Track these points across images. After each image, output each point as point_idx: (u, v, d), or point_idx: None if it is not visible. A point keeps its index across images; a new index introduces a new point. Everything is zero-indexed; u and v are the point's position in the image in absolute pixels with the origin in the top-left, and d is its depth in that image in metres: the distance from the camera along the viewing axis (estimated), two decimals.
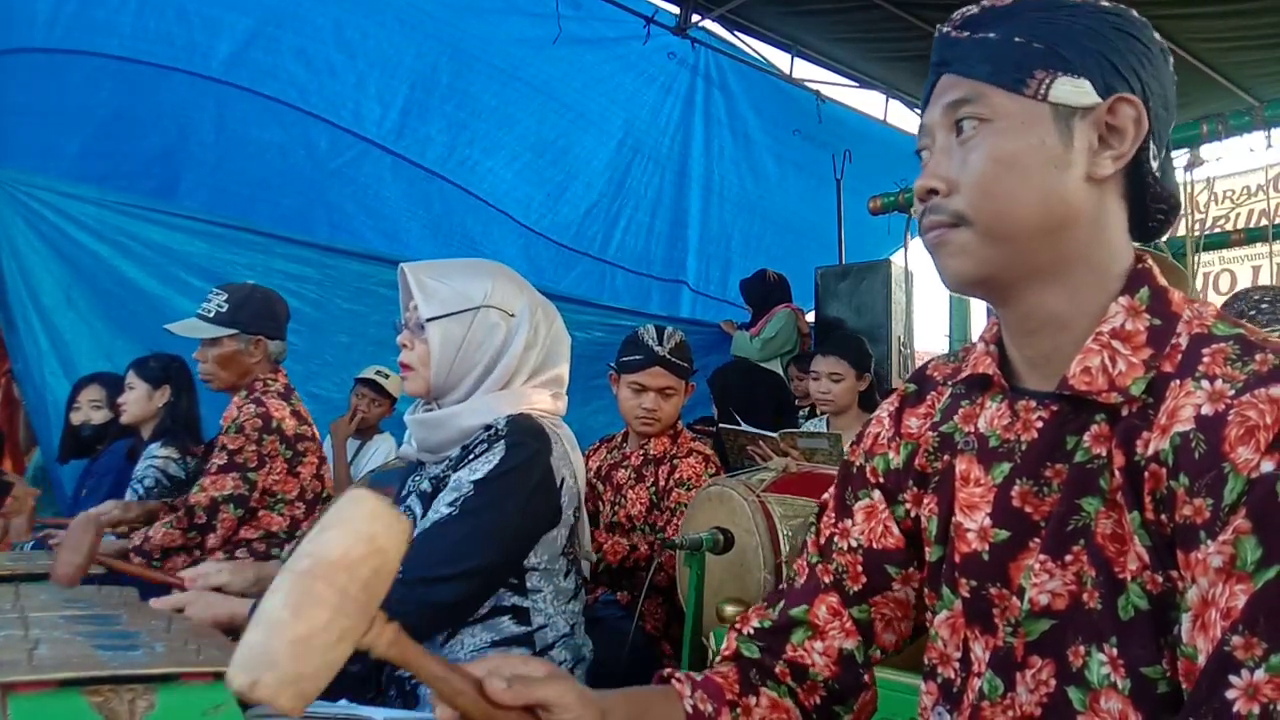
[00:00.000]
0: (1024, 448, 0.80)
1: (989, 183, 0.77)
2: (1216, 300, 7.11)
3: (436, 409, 1.67)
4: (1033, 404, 0.80)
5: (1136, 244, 0.83)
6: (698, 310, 6.13)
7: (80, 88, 4.06)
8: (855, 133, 5.95)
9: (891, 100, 6.22)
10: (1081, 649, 0.74)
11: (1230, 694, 0.62)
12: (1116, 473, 0.73)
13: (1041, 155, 0.76)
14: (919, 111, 0.97)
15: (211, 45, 4.31)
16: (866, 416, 1.02)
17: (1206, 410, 0.68)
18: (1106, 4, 0.79)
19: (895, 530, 0.93)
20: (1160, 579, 0.70)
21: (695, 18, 5.29)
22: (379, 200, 4.96)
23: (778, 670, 0.94)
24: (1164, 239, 4.81)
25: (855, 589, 0.93)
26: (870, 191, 5.45)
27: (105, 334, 3.78)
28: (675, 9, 5.30)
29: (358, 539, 0.66)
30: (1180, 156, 5.36)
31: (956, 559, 0.84)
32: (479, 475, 1.52)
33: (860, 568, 0.93)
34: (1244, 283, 7.88)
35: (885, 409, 0.98)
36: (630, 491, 2.57)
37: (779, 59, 5.84)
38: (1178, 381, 0.72)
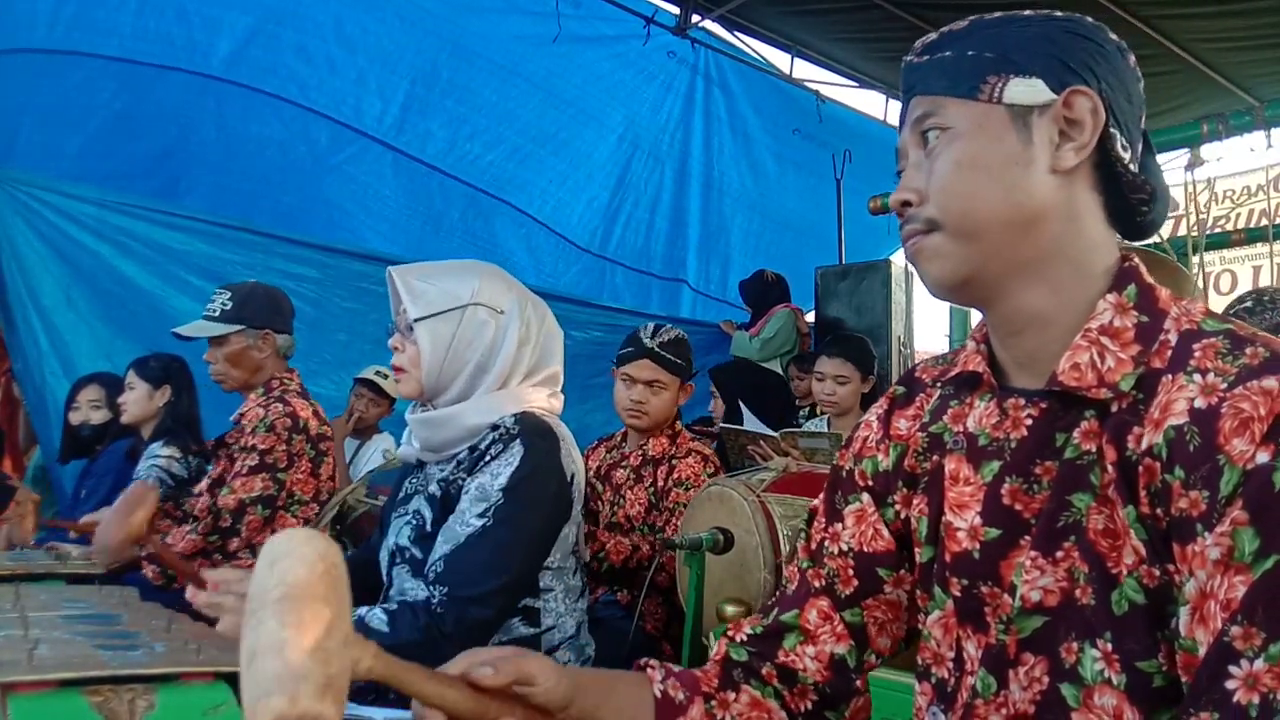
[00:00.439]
0: (1013, 446, 0.80)
1: (953, 184, 0.80)
2: (1218, 300, 7.12)
3: (433, 410, 1.66)
4: (1022, 402, 0.81)
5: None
6: (698, 310, 6.12)
7: (81, 88, 4.06)
8: (855, 133, 5.95)
9: (891, 100, 6.21)
10: (1074, 645, 0.74)
11: (1230, 684, 0.63)
12: (1108, 468, 0.74)
13: (1001, 154, 0.79)
14: None
15: (211, 44, 4.32)
16: None
17: (1200, 403, 0.69)
18: (1059, 13, 0.82)
19: (885, 533, 0.93)
20: (1157, 573, 0.70)
21: (695, 18, 5.28)
22: (379, 196, 4.96)
23: (764, 671, 0.94)
24: (1166, 238, 4.81)
25: (847, 593, 0.94)
26: (870, 191, 5.45)
27: (105, 334, 3.79)
28: (675, 9, 5.29)
29: (312, 560, 0.66)
30: (1180, 156, 5.37)
31: (947, 558, 0.84)
32: (504, 481, 1.52)
33: (851, 571, 0.94)
34: (1245, 283, 7.89)
35: (874, 412, 0.98)
36: (629, 492, 2.57)
37: (779, 59, 5.85)
38: (1169, 376, 0.72)
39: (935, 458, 0.89)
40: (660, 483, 2.52)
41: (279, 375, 2.58)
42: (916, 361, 1.03)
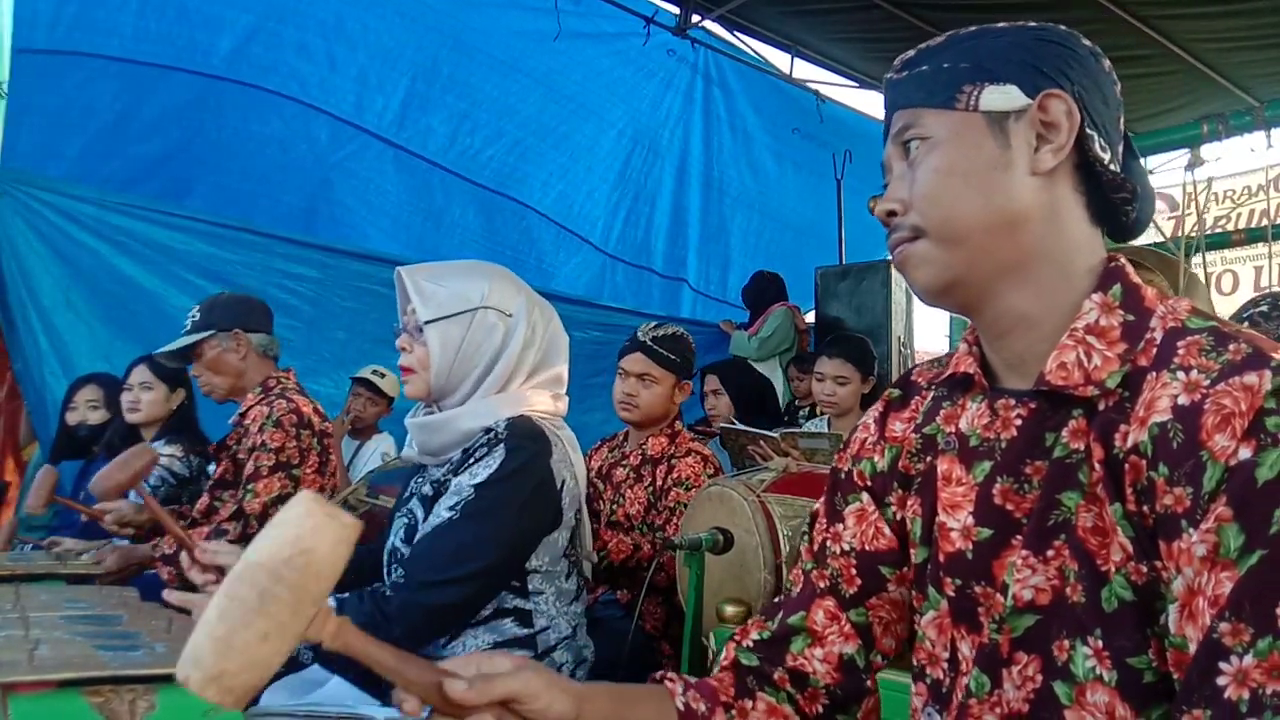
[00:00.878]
0: (1004, 446, 0.81)
1: (934, 191, 0.81)
2: (1220, 301, 7.12)
3: (437, 412, 1.67)
4: (1011, 402, 0.82)
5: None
6: (698, 310, 6.12)
7: (82, 88, 4.06)
8: (855, 133, 5.95)
9: None
10: (1066, 643, 0.74)
11: (1221, 680, 0.63)
12: (1096, 466, 0.74)
13: (980, 160, 0.80)
14: None
15: (212, 43, 4.32)
16: None
17: (1183, 400, 0.69)
18: (1033, 23, 0.84)
19: (887, 531, 0.94)
20: (1145, 569, 0.71)
21: (695, 18, 5.29)
22: (381, 191, 4.97)
23: (776, 677, 0.94)
24: (1168, 239, 4.81)
25: (851, 592, 0.94)
26: (870, 191, 5.42)
27: (104, 335, 3.78)
28: (675, 9, 5.30)
29: (283, 541, 0.69)
30: (1180, 156, 5.37)
31: (941, 559, 0.85)
32: (479, 479, 1.52)
33: (854, 570, 0.94)
34: (1246, 283, 7.90)
35: (870, 415, 0.99)
36: (629, 491, 2.57)
37: (779, 59, 5.85)
38: (1154, 374, 0.73)
39: (929, 459, 0.89)
40: (659, 482, 2.53)
41: (274, 375, 2.58)
42: (916, 362, 1.04)
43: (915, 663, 0.89)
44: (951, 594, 0.84)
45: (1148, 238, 5.13)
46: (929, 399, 0.93)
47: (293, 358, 4.24)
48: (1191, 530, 0.66)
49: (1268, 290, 3.78)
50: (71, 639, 1.22)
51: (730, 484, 2.08)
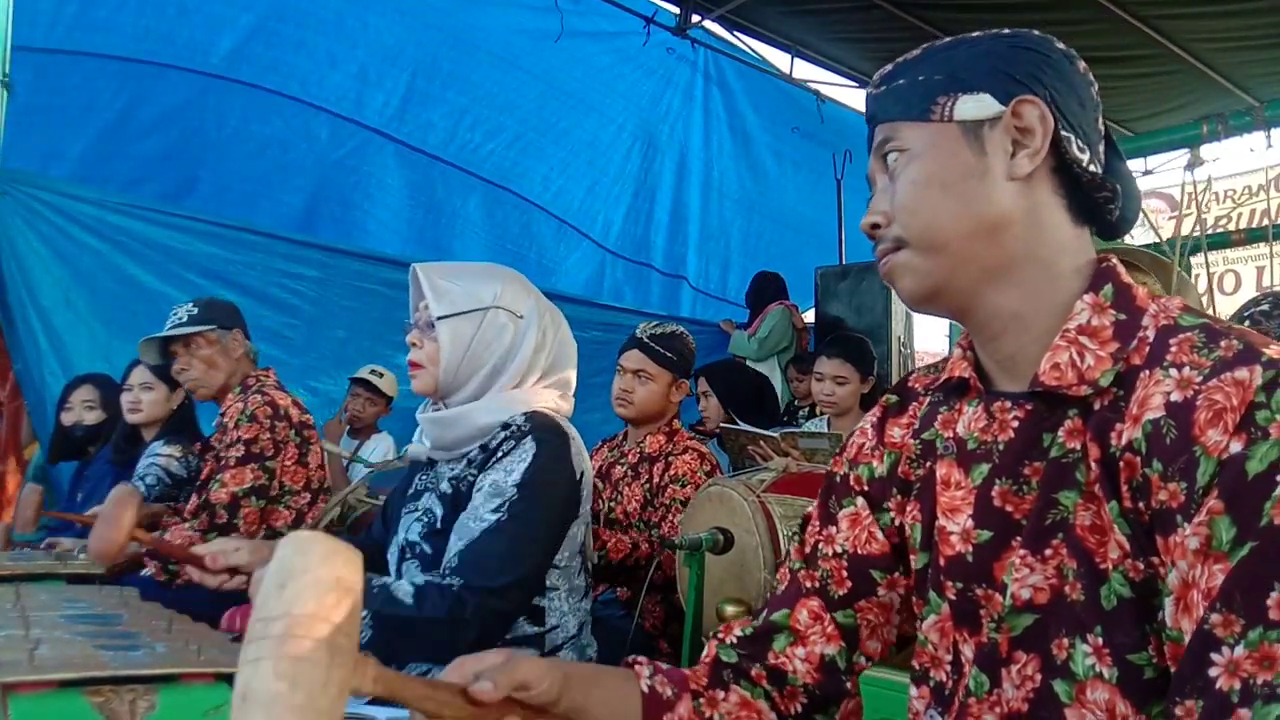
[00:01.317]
0: (1001, 448, 0.82)
1: (913, 202, 0.83)
2: (1222, 301, 7.13)
3: (444, 408, 1.69)
4: (1007, 404, 0.82)
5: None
6: (698, 309, 6.12)
7: (83, 88, 4.07)
8: (855, 132, 5.91)
9: None
10: (1065, 641, 0.75)
11: (1213, 671, 0.64)
12: (1092, 465, 0.75)
13: (956, 169, 0.82)
14: None
15: (213, 42, 4.33)
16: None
17: (1176, 397, 0.70)
18: (1007, 30, 0.85)
19: (880, 536, 0.94)
20: (1142, 566, 0.71)
21: (695, 18, 5.29)
22: (383, 187, 4.98)
23: (754, 673, 0.94)
24: (1167, 239, 4.81)
25: (840, 593, 0.94)
26: (870, 192, 5.43)
27: (104, 335, 3.79)
28: (675, 9, 5.30)
29: (325, 586, 0.63)
30: (1180, 156, 5.37)
31: (942, 563, 0.85)
32: (517, 477, 1.54)
33: (845, 573, 0.94)
34: (1248, 282, 7.91)
35: (868, 420, 1.00)
36: (626, 488, 2.58)
37: (779, 59, 5.85)
38: (1147, 372, 0.73)
39: (928, 464, 0.90)
40: (656, 479, 2.53)
41: (253, 374, 2.59)
42: (916, 362, 1.05)
43: (917, 666, 0.89)
44: (953, 597, 0.84)
45: (1148, 238, 5.13)
46: (926, 404, 0.93)
47: (293, 357, 4.27)
48: (1186, 524, 0.67)
49: (1269, 290, 3.78)
50: (71, 639, 1.22)
51: (730, 484, 2.08)
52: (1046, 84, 0.81)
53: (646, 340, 2.58)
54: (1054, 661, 0.75)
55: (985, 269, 0.82)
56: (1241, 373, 0.68)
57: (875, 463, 0.96)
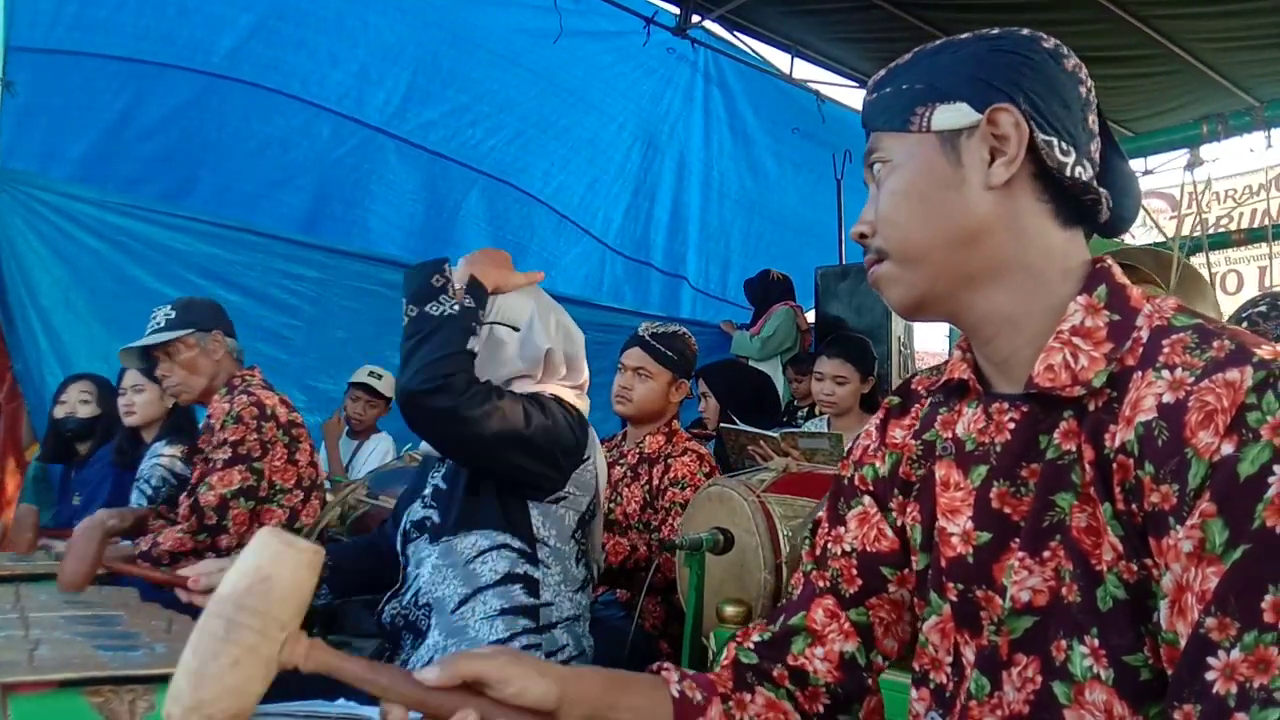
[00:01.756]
0: (999, 449, 0.82)
1: (891, 214, 0.84)
2: (1225, 300, 7.13)
3: None
4: (1005, 406, 0.82)
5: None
6: (698, 309, 6.12)
7: (83, 88, 4.07)
8: (856, 132, 5.86)
9: None
10: (1063, 643, 0.75)
11: (1209, 676, 0.64)
12: (1087, 466, 0.75)
13: (932, 179, 0.82)
14: None
15: (213, 41, 4.33)
16: (868, 417, 1.03)
17: (1168, 398, 0.70)
18: (994, 31, 0.84)
19: (889, 533, 0.94)
20: (1135, 568, 0.71)
21: (695, 18, 5.29)
22: (384, 183, 4.99)
23: (775, 674, 0.94)
24: (1169, 239, 4.81)
25: (851, 591, 0.94)
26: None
27: (103, 335, 3.78)
28: (675, 9, 5.30)
29: (243, 572, 0.73)
30: (1180, 156, 5.37)
31: (942, 564, 0.85)
32: (528, 392, 1.67)
33: (855, 571, 0.94)
34: (1251, 282, 7.91)
35: (873, 422, 1.00)
36: (625, 489, 2.57)
37: (779, 59, 5.84)
38: (1140, 373, 0.73)
39: (928, 465, 0.90)
40: (655, 481, 2.53)
41: (238, 374, 2.57)
42: (916, 363, 1.05)
43: (918, 668, 0.89)
44: (954, 599, 0.84)
45: (1153, 237, 5.13)
46: (927, 405, 0.94)
47: (293, 357, 4.27)
48: (1178, 527, 0.67)
49: (1268, 291, 3.77)
50: (71, 639, 1.23)
51: (730, 484, 2.08)
52: (1025, 88, 0.80)
53: (648, 339, 2.59)
54: (1053, 663, 0.75)
55: (968, 277, 0.82)
56: (1233, 374, 0.67)
57: (878, 463, 0.96)
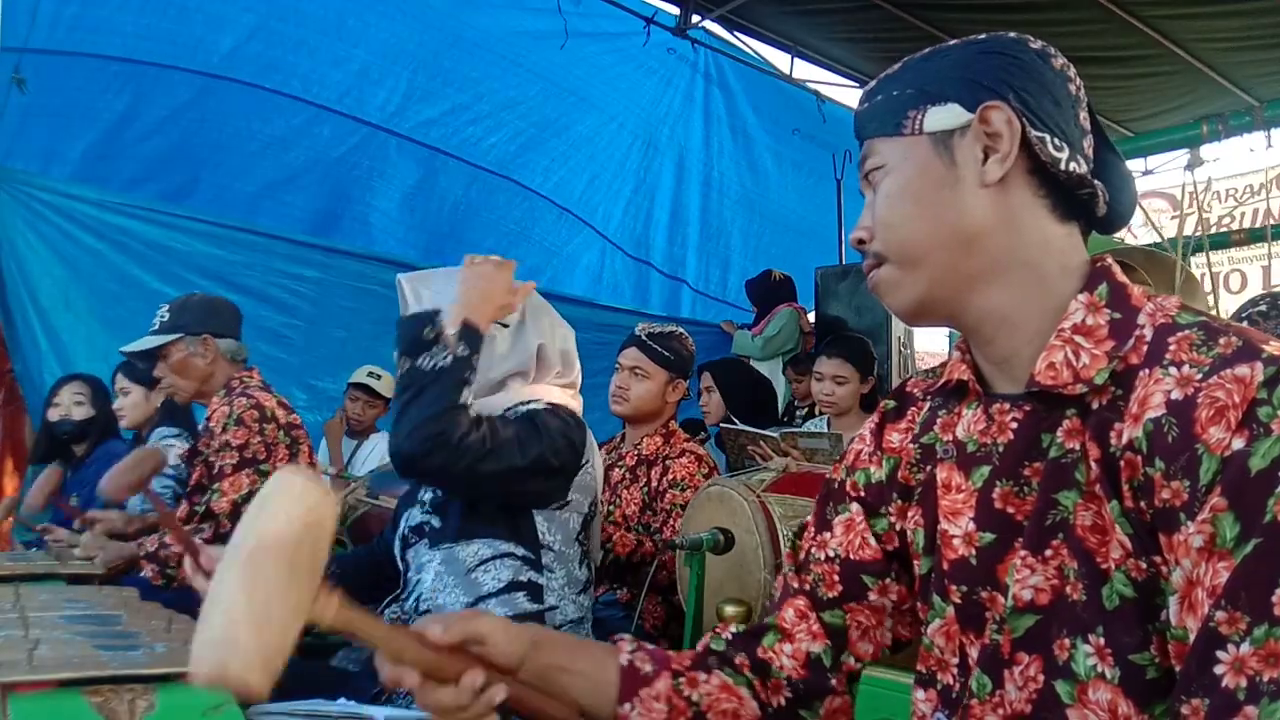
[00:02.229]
0: (1001, 450, 0.82)
1: (888, 217, 0.85)
2: (1228, 300, 7.13)
3: None
4: (1006, 406, 0.82)
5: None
6: (698, 310, 6.13)
7: (83, 88, 4.06)
8: None
9: None
10: (1066, 641, 0.75)
11: (1219, 669, 0.63)
12: (1092, 465, 0.75)
13: (927, 181, 0.83)
14: None
15: (214, 42, 4.33)
16: (868, 418, 1.04)
17: (1176, 395, 0.70)
18: (982, 35, 0.86)
19: (873, 543, 0.95)
20: (1144, 565, 0.71)
21: (695, 18, 5.29)
22: (386, 180, 5.00)
23: (738, 661, 0.96)
24: (1166, 239, 4.81)
25: (830, 595, 0.95)
26: None
27: (103, 336, 3.78)
28: (675, 9, 5.30)
29: (295, 517, 0.70)
30: (1180, 156, 5.37)
31: (945, 566, 0.85)
32: (521, 412, 1.66)
33: (836, 576, 0.95)
34: (1254, 281, 7.92)
35: (867, 426, 1.00)
36: (625, 491, 2.57)
37: (779, 59, 5.84)
38: (1146, 371, 0.73)
39: (928, 468, 0.90)
40: (654, 483, 2.53)
41: (236, 375, 2.56)
42: (916, 363, 1.05)
43: (923, 670, 0.89)
44: (958, 601, 0.84)
45: (1151, 238, 5.13)
46: (925, 409, 0.94)
47: (293, 357, 4.27)
48: (1189, 523, 0.67)
49: (1268, 290, 3.78)
50: (71, 639, 1.23)
51: (730, 484, 2.08)
52: (1015, 86, 0.81)
53: (644, 338, 2.59)
54: (1055, 662, 0.75)
55: (967, 277, 0.82)
56: (1242, 369, 0.67)
57: (873, 468, 0.96)
